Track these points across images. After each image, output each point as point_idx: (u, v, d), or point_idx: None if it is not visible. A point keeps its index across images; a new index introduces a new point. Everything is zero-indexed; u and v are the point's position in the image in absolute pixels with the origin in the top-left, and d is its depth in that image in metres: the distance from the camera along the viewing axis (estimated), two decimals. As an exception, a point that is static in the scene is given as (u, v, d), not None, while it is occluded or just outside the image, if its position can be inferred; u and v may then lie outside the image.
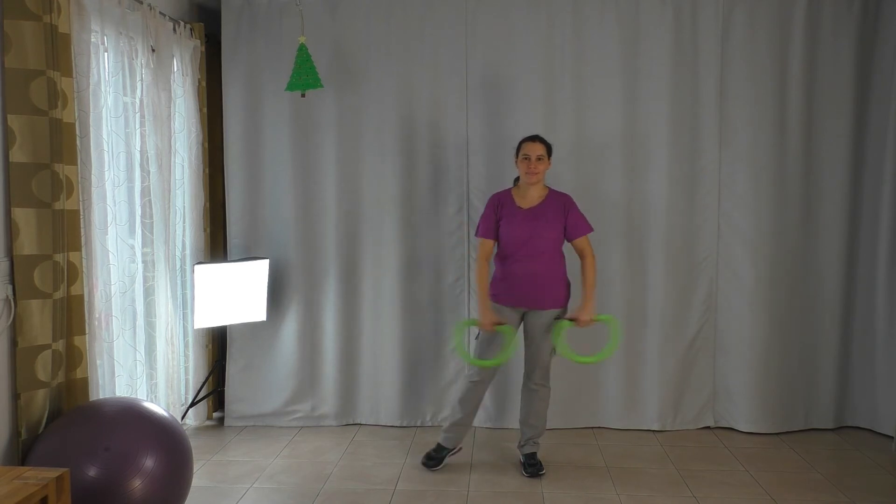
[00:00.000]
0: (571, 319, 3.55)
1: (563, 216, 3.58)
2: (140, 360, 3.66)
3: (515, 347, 3.58)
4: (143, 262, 3.72)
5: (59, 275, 2.88)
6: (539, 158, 3.54)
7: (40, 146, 2.79)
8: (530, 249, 3.53)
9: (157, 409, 2.99)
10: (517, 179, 3.69)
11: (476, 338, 3.70)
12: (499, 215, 3.62)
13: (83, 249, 3.06)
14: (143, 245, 3.70)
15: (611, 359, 4.25)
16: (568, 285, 3.65)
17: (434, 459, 3.72)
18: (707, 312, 4.27)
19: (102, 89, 3.26)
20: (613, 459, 3.88)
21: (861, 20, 4.12)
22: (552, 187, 3.70)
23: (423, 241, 4.29)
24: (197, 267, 3.96)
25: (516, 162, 3.62)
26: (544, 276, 3.55)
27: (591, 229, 3.62)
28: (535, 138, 3.59)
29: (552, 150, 3.64)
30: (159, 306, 3.82)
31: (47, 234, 2.83)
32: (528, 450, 3.72)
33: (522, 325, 3.67)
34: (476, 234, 3.74)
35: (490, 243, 3.64)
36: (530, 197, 3.60)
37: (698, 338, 4.28)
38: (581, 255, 3.61)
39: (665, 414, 4.29)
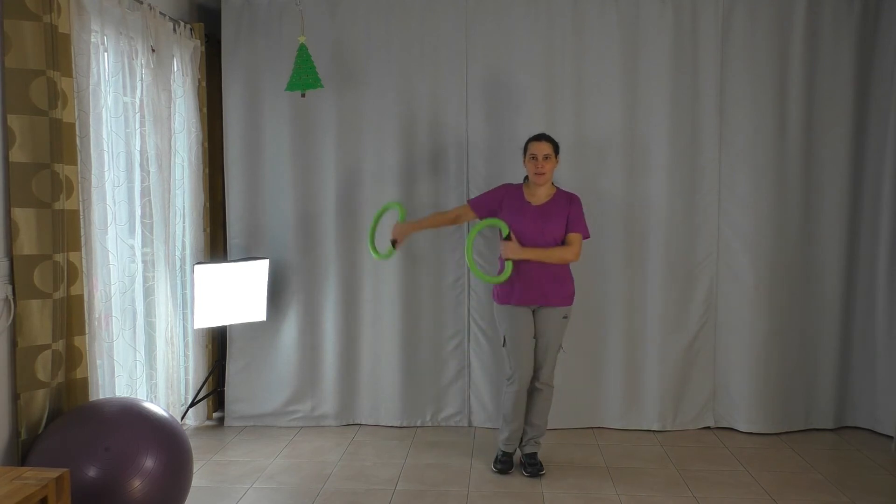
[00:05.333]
0: (510, 236, 3.52)
1: (567, 213, 3.58)
2: (140, 360, 3.66)
3: (389, 257, 3.82)
4: (143, 262, 3.72)
5: (58, 275, 2.88)
6: (546, 157, 3.54)
7: (40, 146, 2.79)
8: (538, 245, 3.53)
9: (157, 409, 2.99)
10: (527, 178, 3.69)
11: (503, 345, 3.67)
12: (503, 205, 3.62)
13: (83, 249, 3.06)
14: (143, 245, 3.70)
15: (611, 359, 4.26)
16: (573, 284, 3.65)
17: (505, 463, 3.71)
18: (707, 312, 4.27)
19: (102, 89, 3.26)
20: (613, 459, 3.88)
21: (861, 20, 4.12)
22: (560, 187, 3.71)
23: (423, 241, 4.29)
24: (197, 267, 3.96)
25: (524, 162, 3.62)
26: (552, 274, 3.56)
27: (587, 234, 3.62)
28: (541, 137, 3.60)
29: (559, 148, 3.64)
30: (159, 306, 3.82)
31: (47, 234, 2.83)
32: (528, 449, 3.72)
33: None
34: (467, 199, 3.70)
35: (471, 214, 3.73)
36: (539, 195, 3.62)
37: (698, 338, 4.28)
38: (565, 243, 3.57)
39: (665, 414, 4.29)
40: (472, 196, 4.23)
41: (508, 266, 3.52)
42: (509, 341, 3.62)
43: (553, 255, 3.53)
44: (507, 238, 3.53)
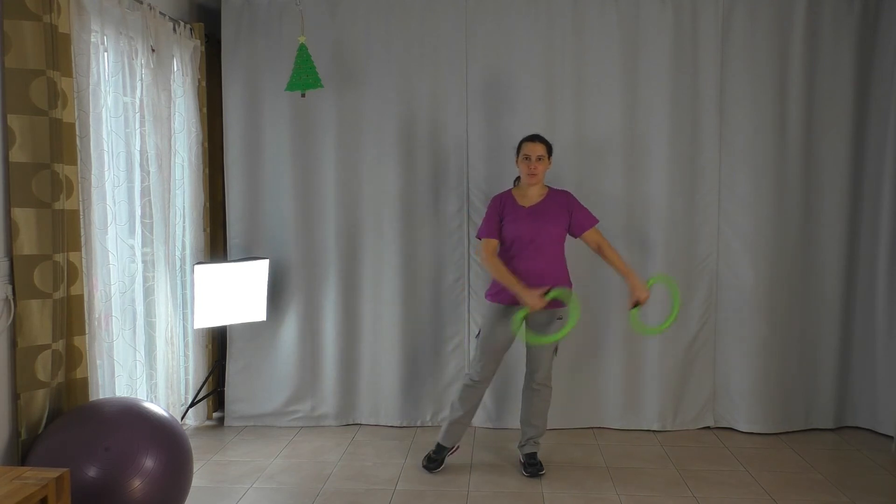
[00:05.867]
0: (635, 305, 3.53)
1: (567, 213, 3.58)
2: (140, 360, 3.66)
3: (578, 316, 3.47)
4: (143, 262, 3.72)
5: (58, 275, 2.88)
6: (539, 158, 3.54)
7: (40, 146, 2.79)
8: (535, 248, 3.53)
9: (157, 409, 2.99)
10: (518, 179, 3.69)
11: (476, 336, 3.69)
12: (501, 216, 3.61)
13: (83, 249, 3.06)
14: (143, 245, 3.70)
15: (611, 359, 4.27)
16: (570, 285, 3.65)
17: (434, 461, 3.71)
18: (707, 312, 4.27)
19: (102, 89, 3.26)
20: (613, 459, 3.88)
21: (861, 20, 4.12)
22: (551, 185, 3.71)
23: (423, 241, 4.29)
24: (197, 267, 3.96)
25: (517, 162, 3.62)
26: (548, 275, 3.54)
27: (597, 220, 3.63)
28: (534, 138, 3.59)
29: (552, 150, 3.64)
30: (159, 306, 3.82)
31: (47, 234, 2.83)
32: (528, 450, 3.72)
33: (525, 324, 3.66)
34: (478, 236, 3.68)
35: (494, 242, 3.61)
36: (531, 196, 3.61)
37: (698, 338, 4.28)
38: (598, 247, 3.61)
39: (665, 414, 4.29)
40: (471, 196, 4.24)
41: (675, 307, 3.57)
42: (482, 337, 3.62)
43: (620, 258, 3.62)
44: (637, 304, 3.54)
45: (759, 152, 4.16)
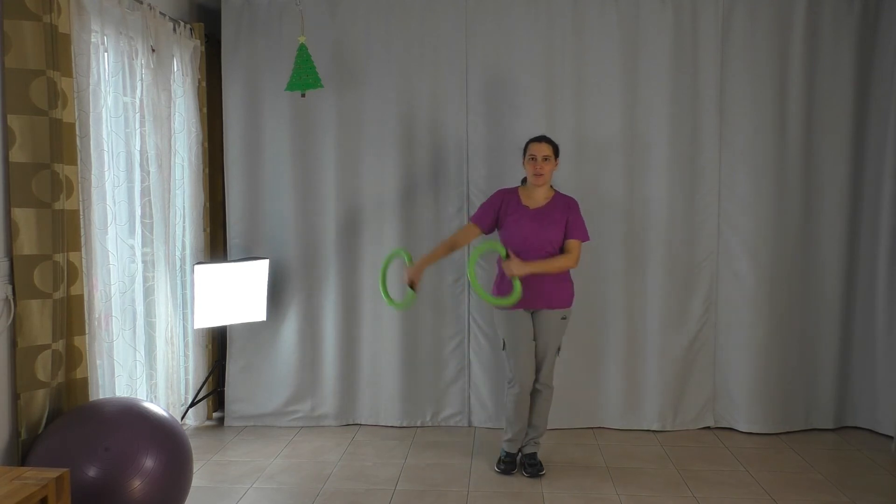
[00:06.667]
0: (509, 255, 3.47)
1: (567, 219, 3.57)
2: (140, 360, 3.66)
3: (411, 303, 3.67)
4: (143, 262, 3.72)
5: (58, 275, 2.88)
6: (545, 159, 3.53)
7: (40, 146, 2.79)
8: (537, 250, 3.53)
9: (157, 409, 2.99)
10: (525, 179, 3.68)
11: (503, 348, 3.67)
12: (502, 212, 3.61)
13: (83, 249, 3.06)
14: (143, 245, 3.70)
15: (611, 359, 4.27)
16: (572, 285, 3.65)
17: (511, 464, 3.70)
18: (707, 312, 4.27)
19: (102, 89, 3.26)
20: (613, 459, 3.88)
21: (861, 20, 4.12)
22: (559, 190, 3.70)
23: (423, 240, 4.29)
24: (197, 267, 3.96)
25: (524, 163, 3.62)
26: (551, 276, 3.54)
27: (586, 237, 3.60)
28: (541, 139, 3.59)
29: (559, 151, 3.64)
30: (159, 306, 3.82)
31: (47, 234, 2.83)
32: (528, 450, 3.72)
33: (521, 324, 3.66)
34: (469, 218, 3.66)
35: (476, 231, 3.66)
36: (537, 197, 3.60)
37: (698, 338, 4.28)
38: (565, 250, 3.57)
39: (665, 414, 4.29)
40: (471, 196, 4.24)
41: (517, 286, 3.42)
42: (508, 345, 3.62)
43: (555, 264, 3.51)
44: (508, 257, 3.47)
45: (759, 152, 4.16)
